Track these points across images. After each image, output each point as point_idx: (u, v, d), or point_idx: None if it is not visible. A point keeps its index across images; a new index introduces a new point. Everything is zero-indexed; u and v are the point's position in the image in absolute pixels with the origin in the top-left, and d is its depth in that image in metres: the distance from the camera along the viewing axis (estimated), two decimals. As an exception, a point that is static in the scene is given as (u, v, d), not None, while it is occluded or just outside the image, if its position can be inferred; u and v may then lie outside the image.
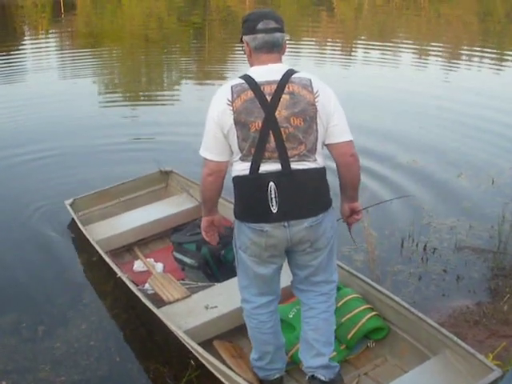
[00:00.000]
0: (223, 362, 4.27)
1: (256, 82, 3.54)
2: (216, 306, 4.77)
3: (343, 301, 4.61)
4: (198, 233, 5.11)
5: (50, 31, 24.27)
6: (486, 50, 18.33)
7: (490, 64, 16.44)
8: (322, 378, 4.01)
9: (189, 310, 4.79)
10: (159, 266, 5.98)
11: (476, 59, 17.30)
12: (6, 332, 5.16)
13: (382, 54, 18.09)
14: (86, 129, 10.55)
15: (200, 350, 4.21)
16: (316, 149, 3.60)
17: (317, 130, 3.57)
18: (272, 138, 3.52)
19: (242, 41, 3.72)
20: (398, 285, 5.66)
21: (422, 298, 5.51)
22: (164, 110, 12.09)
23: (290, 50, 17.85)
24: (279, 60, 3.68)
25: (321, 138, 3.61)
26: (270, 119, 3.51)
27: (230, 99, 3.53)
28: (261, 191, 3.55)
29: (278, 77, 3.56)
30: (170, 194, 7.23)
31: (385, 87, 13.18)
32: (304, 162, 3.57)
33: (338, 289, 4.65)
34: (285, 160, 3.54)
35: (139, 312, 5.19)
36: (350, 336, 4.48)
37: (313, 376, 4.05)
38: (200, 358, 4.31)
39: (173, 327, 4.47)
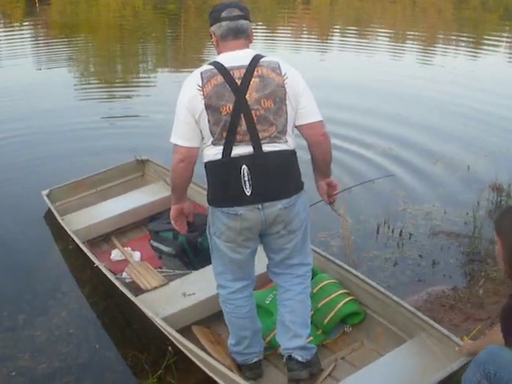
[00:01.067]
0: (201, 348, 4.29)
1: (225, 67, 3.61)
2: (193, 293, 4.80)
3: (319, 286, 4.65)
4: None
5: (25, 22, 24.01)
6: (461, 37, 18.46)
7: (465, 51, 16.56)
8: (300, 358, 4.05)
9: (166, 298, 4.80)
10: (137, 255, 5.99)
11: (452, 46, 17.43)
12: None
13: (358, 41, 18.17)
14: (62, 117, 10.51)
15: (177, 336, 4.24)
16: (286, 131, 3.67)
17: (286, 112, 3.64)
18: (243, 121, 3.59)
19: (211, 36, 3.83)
20: (373, 270, 5.71)
21: (398, 283, 5.56)
22: (140, 98, 12.04)
23: (267, 37, 17.88)
24: (246, 46, 3.76)
25: (291, 120, 3.68)
26: (240, 102, 3.58)
27: (200, 84, 3.59)
28: (234, 174, 3.61)
29: (247, 62, 3.64)
30: (146, 182, 7.23)
31: (361, 74, 13.22)
32: (275, 144, 3.65)
33: (314, 274, 4.70)
34: (256, 142, 3.61)
35: (117, 300, 5.20)
36: (326, 321, 4.51)
37: (290, 356, 4.09)
38: (177, 344, 4.34)
39: (150, 314, 4.49)
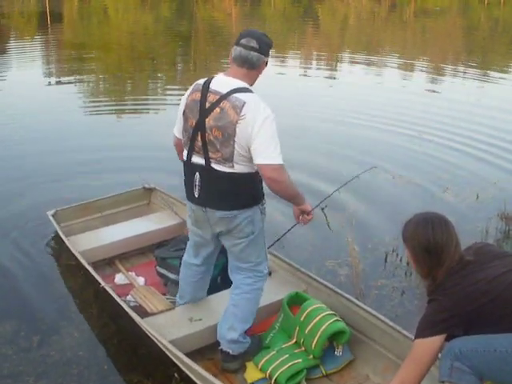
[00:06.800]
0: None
1: (208, 89, 4.08)
2: (200, 319, 4.78)
3: (306, 312, 4.67)
4: (182, 248, 5.12)
5: (37, 41, 24.13)
6: (470, 63, 18.49)
7: (473, 78, 16.60)
8: (230, 351, 4.50)
9: (173, 322, 4.79)
10: (141, 280, 5.92)
11: (460, 73, 17.46)
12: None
13: (367, 66, 18.23)
14: (70, 139, 10.54)
15: (185, 358, 4.20)
16: (233, 159, 4.03)
17: (234, 146, 3.99)
18: (199, 138, 4.11)
19: None
20: (381, 299, 5.67)
21: (405, 312, 5.50)
22: (151, 124, 12.00)
23: (277, 62, 17.94)
24: (244, 77, 4.08)
25: (240, 154, 4.01)
26: (200, 123, 4.08)
27: (188, 93, 4.21)
28: (191, 177, 4.23)
29: (225, 91, 3.98)
30: (152, 210, 7.18)
31: (369, 100, 13.27)
32: (220, 165, 4.09)
33: (303, 300, 4.82)
34: (207, 158, 4.11)
35: (124, 323, 5.15)
36: (313, 345, 4.52)
37: (221, 350, 4.54)
38: (183, 368, 4.32)
39: (157, 336, 4.46)
